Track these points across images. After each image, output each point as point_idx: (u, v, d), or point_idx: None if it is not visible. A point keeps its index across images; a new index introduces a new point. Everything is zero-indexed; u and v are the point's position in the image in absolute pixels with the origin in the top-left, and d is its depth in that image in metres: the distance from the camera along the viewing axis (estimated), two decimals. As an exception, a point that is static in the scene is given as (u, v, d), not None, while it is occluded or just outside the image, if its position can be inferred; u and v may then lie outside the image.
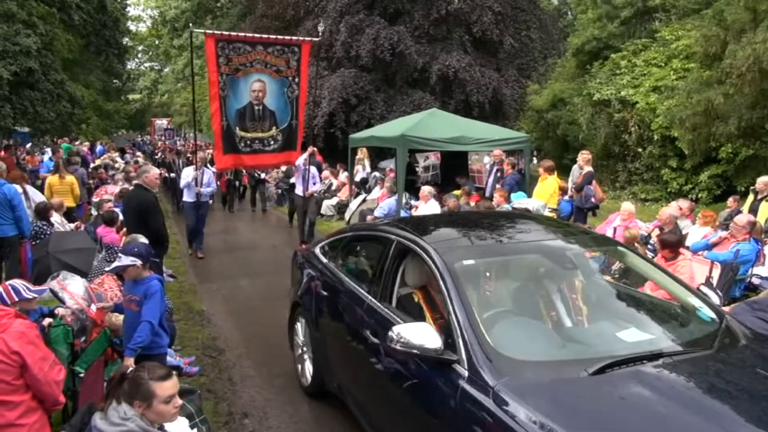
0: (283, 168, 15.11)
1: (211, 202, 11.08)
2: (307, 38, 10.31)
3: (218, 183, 12.90)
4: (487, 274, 3.74)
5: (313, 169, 10.67)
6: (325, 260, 4.82)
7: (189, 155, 14.98)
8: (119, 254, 4.00)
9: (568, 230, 4.19)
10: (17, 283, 3.51)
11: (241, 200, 17.10)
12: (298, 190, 10.50)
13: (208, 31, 9.30)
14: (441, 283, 3.17)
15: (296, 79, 9.58)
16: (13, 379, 2.55)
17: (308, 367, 4.79)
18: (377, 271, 3.93)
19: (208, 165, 10.51)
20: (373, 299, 3.77)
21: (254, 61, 9.12)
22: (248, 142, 9.44)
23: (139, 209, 6.42)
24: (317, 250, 5.07)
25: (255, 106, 9.35)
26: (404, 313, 3.52)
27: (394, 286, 3.72)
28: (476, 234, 3.94)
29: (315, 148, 10.32)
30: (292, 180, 12.42)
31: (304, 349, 4.88)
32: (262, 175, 16.21)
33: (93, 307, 4.33)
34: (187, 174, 9.78)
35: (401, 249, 3.76)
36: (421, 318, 3.48)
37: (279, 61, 9.36)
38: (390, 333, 2.87)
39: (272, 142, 9.68)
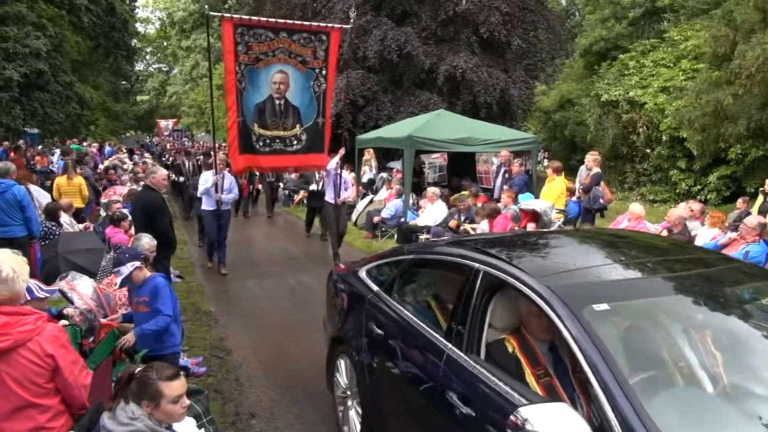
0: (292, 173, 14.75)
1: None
2: (336, 25, 9.00)
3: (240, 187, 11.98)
4: (626, 323, 2.67)
5: (345, 174, 9.64)
6: (375, 287, 3.92)
7: (200, 157, 14.23)
8: (118, 268, 3.96)
9: (715, 259, 3.16)
10: (30, 282, 3.53)
11: (254, 205, 16.32)
12: (329, 197, 9.48)
13: (226, 15, 8.19)
14: (570, 339, 2.32)
15: (323, 72, 8.44)
16: (45, 382, 2.58)
17: (354, 419, 3.92)
18: (457, 310, 3.02)
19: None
20: (455, 348, 2.89)
21: (277, 50, 8.03)
22: (267, 141, 8.36)
23: (146, 210, 6.45)
24: (362, 274, 4.20)
25: (276, 101, 8.27)
26: (499, 369, 2.67)
27: (482, 331, 2.84)
28: (594, 263, 2.95)
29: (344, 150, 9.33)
30: (312, 186, 11.67)
31: (350, 397, 4.02)
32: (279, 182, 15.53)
33: (102, 320, 4.35)
34: (206, 179, 8.64)
35: (490, 282, 2.89)
36: (518, 374, 2.66)
37: (305, 51, 8.23)
38: (513, 418, 2.12)
39: (295, 142, 8.56)
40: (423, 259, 3.87)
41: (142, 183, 11.22)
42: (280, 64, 8.14)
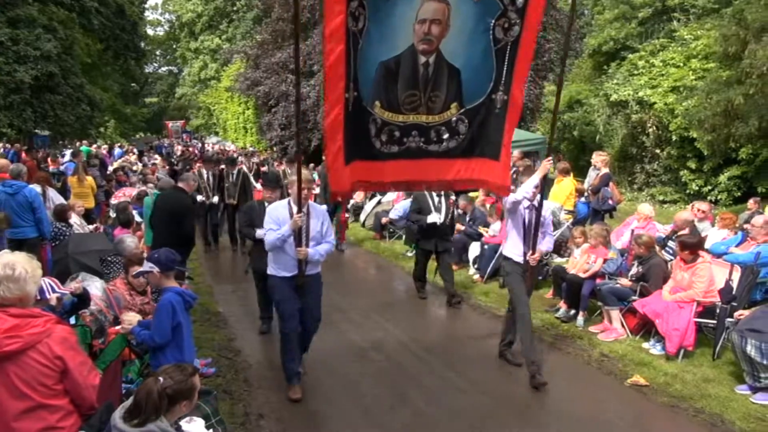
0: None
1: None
2: None
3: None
4: None
5: (548, 207, 5.70)
6: None
7: (222, 167, 10.81)
8: (144, 266, 3.97)
9: None
10: (45, 280, 3.54)
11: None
12: (512, 251, 5.33)
13: None
14: None
15: (517, 2, 4.38)
16: (54, 383, 2.62)
17: None
18: None
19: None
20: None
21: None
22: (396, 135, 4.60)
23: (174, 211, 6.49)
24: None
25: (421, 57, 4.40)
26: None
27: None
28: None
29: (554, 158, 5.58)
30: (433, 218, 7.30)
31: None
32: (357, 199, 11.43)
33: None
34: (275, 216, 4.74)
35: None
36: None
37: None
38: None
39: (445, 136, 4.72)
40: None
41: (150, 184, 11.32)
42: None
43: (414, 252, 8.69)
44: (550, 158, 5.00)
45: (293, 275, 4.70)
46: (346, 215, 10.68)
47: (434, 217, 7.30)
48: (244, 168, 11.46)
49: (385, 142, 4.58)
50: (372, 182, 4.76)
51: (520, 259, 5.24)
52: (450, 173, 4.85)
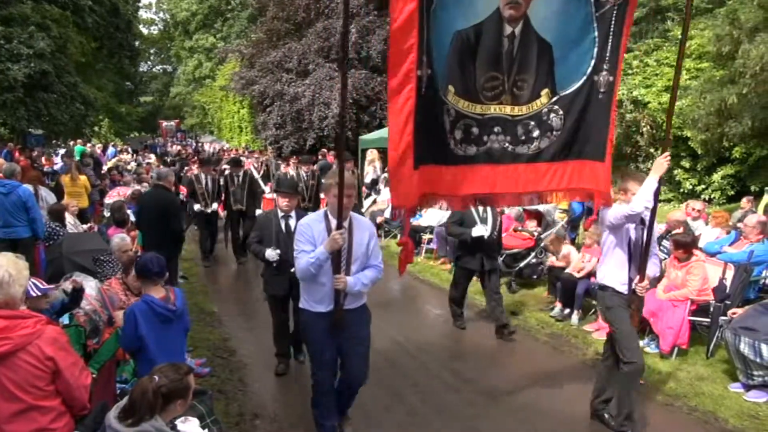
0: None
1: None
2: None
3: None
4: None
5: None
6: None
7: (225, 169, 9.88)
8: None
9: None
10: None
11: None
12: (613, 279, 4.13)
13: None
14: None
15: None
16: (46, 384, 2.60)
17: None
18: None
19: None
20: None
21: None
22: (473, 131, 3.62)
23: (161, 209, 6.48)
24: None
25: (507, 26, 3.48)
26: None
27: None
28: None
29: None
30: (478, 231, 6.12)
31: None
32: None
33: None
34: (309, 232, 3.65)
35: None
36: None
37: None
38: None
39: (534, 132, 3.74)
40: None
41: (145, 184, 11.29)
42: None
43: (452, 271, 7.39)
44: (667, 155, 3.89)
45: (330, 310, 3.65)
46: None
47: (480, 230, 6.06)
48: (251, 169, 10.57)
49: (460, 141, 3.51)
50: (442, 195, 3.64)
51: (624, 288, 4.06)
52: (541, 183, 3.76)
